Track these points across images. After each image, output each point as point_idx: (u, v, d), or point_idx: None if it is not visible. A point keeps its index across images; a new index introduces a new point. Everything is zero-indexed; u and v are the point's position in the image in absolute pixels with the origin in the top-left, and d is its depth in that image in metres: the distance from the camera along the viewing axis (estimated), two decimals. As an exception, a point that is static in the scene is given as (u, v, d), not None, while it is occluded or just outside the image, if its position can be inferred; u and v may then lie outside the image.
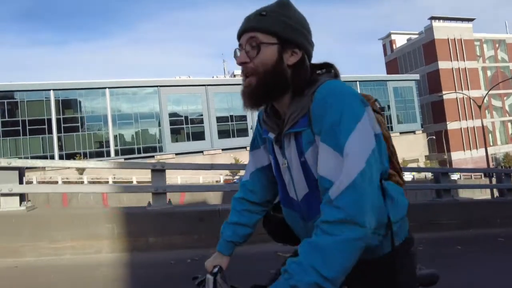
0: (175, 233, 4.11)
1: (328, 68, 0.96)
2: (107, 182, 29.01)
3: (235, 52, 0.93)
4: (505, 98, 54.86)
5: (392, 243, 0.89)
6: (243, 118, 40.54)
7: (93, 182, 29.00)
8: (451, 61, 50.48)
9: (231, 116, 40.09)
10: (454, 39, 50.86)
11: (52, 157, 34.13)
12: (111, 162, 4.40)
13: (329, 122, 0.81)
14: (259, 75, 0.89)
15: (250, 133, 39.67)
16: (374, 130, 0.86)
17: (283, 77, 0.90)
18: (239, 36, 0.93)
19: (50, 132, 34.51)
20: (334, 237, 0.73)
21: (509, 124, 55.16)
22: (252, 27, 0.90)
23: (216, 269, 1.06)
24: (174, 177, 28.57)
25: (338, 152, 0.79)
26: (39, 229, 3.78)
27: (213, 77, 43.14)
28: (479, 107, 22.02)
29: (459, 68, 50.82)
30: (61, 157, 34.38)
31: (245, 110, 0.97)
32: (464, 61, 51.03)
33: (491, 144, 52.81)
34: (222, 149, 38.74)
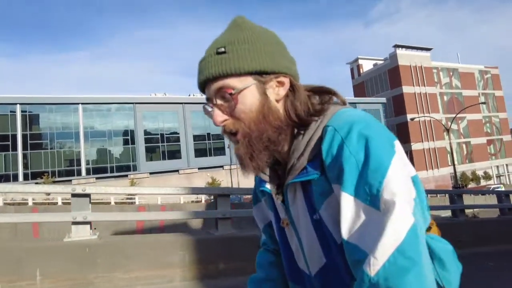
0: (244, 258, 4.14)
1: (330, 95, 0.73)
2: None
3: (204, 109, 0.71)
4: (459, 121, 59.61)
5: None
6: (220, 136, 40.50)
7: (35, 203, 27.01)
8: (414, 86, 54.43)
9: (208, 134, 39.96)
10: (416, 66, 55.07)
11: (16, 176, 31.81)
12: (180, 188, 4.34)
13: (351, 163, 0.59)
14: (247, 130, 0.68)
15: (227, 151, 39.66)
16: (409, 171, 0.63)
17: (275, 117, 0.69)
18: (203, 87, 0.71)
19: (15, 149, 32.27)
20: None
21: (463, 145, 59.83)
22: (216, 75, 0.67)
23: None
24: (153, 198, 27.65)
25: (370, 204, 0.57)
26: (113, 259, 3.67)
27: (189, 95, 42.96)
28: (447, 130, 23.87)
29: (420, 93, 54.84)
30: (26, 176, 32.13)
31: (246, 174, 0.72)
32: (424, 86, 55.22)
33: (449, 163, 56.88)
34: (199, 168, 38.26)
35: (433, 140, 54.85)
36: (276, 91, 0.69)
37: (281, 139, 0.70)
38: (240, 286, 4.09)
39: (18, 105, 32.49)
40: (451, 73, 60.25)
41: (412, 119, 28.79)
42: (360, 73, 63.45)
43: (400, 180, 0.56)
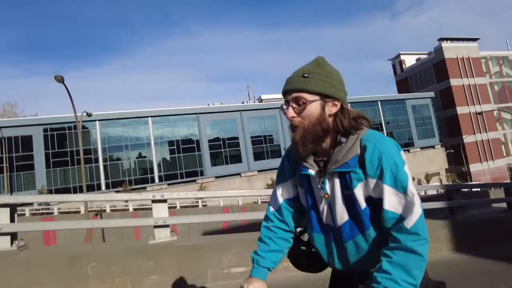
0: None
1: (365, 119, 1.13)
2: (150, 208, 28.32)
3: (281, 107, 1.14)
4: (513, 110, 57.61)
5: None
6: (275, 139, 42.21)
7: (136, 209, 28.37)
8: (462, 78, 53.40)
9: (264, 137, 41.71)
10: (463, 57, 53.94)
11: (99, 185, 35.11)
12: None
13: (387, 168, 1.03)
14: (306, 126, 1.08)
15: (283, 153, 41.14)
16: None
17: (326, 125, 1.09)
18: (285, 93, 1.12)
19: (97, 161, 35.62)
20: (416, 256, 0.98)
21: (518, 135, 57.69)
22: (298, 88, 1.08)
23: None
24: (216, 200, 29.64)
25: (403, 192, 1.02)
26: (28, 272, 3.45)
27: (243, 102, 45.06)
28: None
29: (469, 85, 53.67)
30: (107, 185, 35.35)
31: (299, 155, 1.16)
32: (473, 77, 53.99)
33: (505, 154, 55.12)
34: (258, 171, 40.06)
35: (486, 132, 53.47)
36: (330, 109, 1.11)
37: (324, 138, 1.11)
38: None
39: (97, 121, 35.80)
40: (501, 62, 58.37)
41: (479, 113, 28.65)
42: (403, 69, 62.94)
43: (411, 179, 1.05)
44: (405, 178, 1.02)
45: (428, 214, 6.23)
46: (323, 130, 1.09)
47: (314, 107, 1.08)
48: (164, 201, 3.90)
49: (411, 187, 1.02)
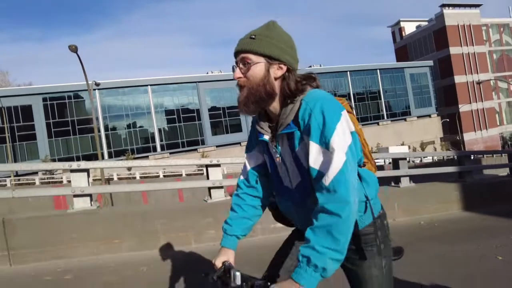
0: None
1: (311, 80, 1.16)
2: (157, 176, 29.77)
3: (232, 68, 1.16)
4: (510, 80, 57.84)
5: (372, 214, 1.17)
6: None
7: (141, 177, 29.65)
8: (461, 46, 53.03)
9: (264, 107, 41.94)
10: (464, 25, 53.23)
11: (102, 155, 35.53)
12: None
13: (315, 124, 1.03)
14: (250, 87, 1.11)
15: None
16: (349, 129, 1.07)
17: (270, 88, 1.11)
18: (235, 55, 1.15)
19: (98, 131, 35.77)
20: (335, 217, 0.95)
21: (514, 104, 58.39)
22: (244, 49, 1.11)
23: (227, 264, 1.18)
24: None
25: (325, 148, 1.02)
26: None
27: (242, 70, 44.70)
28: None
29: (468, 53, 53.43)
30: (110, 154, 35.81)
31: (241, 114, 1.18)
32: (473, 45, 53.63)
33: (498, 124, 56.19)
34: (258, 140, 40.67)
35: (482, 101, 54.06)
36: (276, 72, 1.13)
37: (270, 101, 1.14)
38: None
39: (96, 90, 35.50)
40: (501, 29, 57.76)
41: (478, 82, 28.86)
42: (402, 36, 62.10)
43: (340, 135, 1.02)
44: (330, 133, 1.01)
45: (440, 178, 7.29)
46: (267, 92, 1.10)
47: (258, 68, 1.10)
48: (218, 165, 4.40)
49: (336, 143, 1.00)
